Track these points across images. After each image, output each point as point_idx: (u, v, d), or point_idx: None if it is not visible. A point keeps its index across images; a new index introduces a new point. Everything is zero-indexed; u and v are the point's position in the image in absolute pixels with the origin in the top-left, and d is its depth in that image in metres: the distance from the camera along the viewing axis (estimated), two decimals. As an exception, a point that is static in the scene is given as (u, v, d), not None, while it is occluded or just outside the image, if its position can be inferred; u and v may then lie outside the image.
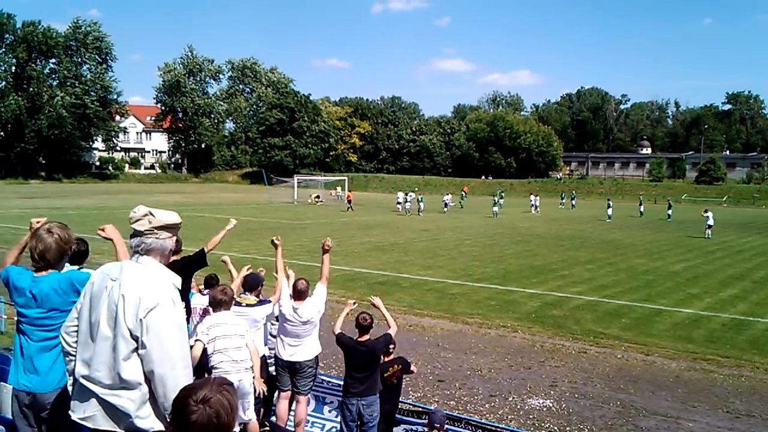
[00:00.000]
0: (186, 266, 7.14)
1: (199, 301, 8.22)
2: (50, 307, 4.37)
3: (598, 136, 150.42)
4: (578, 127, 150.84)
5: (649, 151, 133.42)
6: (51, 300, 4.36)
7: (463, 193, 73.58)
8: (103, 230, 4.81)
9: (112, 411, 3.40)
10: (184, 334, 3.51)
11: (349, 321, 8.36)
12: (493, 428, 8.46)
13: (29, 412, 4.38)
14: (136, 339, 3.38)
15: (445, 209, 58.33)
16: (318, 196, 66.55)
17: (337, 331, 7.99)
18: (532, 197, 62.04)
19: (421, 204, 54.13)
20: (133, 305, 3.38)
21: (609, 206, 53.13)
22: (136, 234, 3.65)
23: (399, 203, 55.72)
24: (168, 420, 3.38)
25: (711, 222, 39.07)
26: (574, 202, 68.79)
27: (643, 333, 15.83)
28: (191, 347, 6.69)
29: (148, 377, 3.39)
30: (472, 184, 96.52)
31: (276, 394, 8.39)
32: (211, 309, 7.29)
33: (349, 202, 55.91)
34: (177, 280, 3.66)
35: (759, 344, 15.05)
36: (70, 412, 3.55)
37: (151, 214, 3.69)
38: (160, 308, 3.40)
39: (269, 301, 8.18)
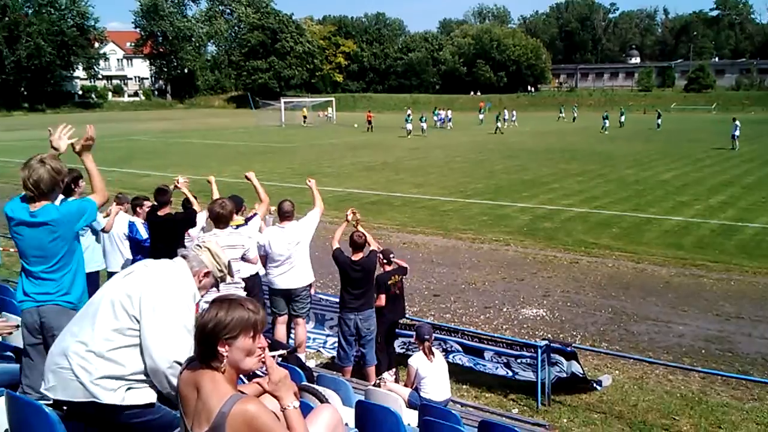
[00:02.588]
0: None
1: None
2: (51, 239, 4.38)
3: (586, 47, 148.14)
4: (566, 39, 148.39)
5: (638, 60, 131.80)
6: (50, 231, 4.37)
7: (480, 108, 71.35)
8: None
9: (75, 379, 3.36)
10: (186, 337, 3.42)
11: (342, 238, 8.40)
12: (487, 338, 8.68)
13: (39, 337, 4.45)
14: (138, 321, 3.38)
15: (441, 125, 58.77)
16: (305, 117, 65.73)
17: (336, 245, 8.04)
18: (506, 112, 60.70)
19: (424, 124, 51.53)
20: (150, 291, 3.40)
21: (605, 118, 52.76)
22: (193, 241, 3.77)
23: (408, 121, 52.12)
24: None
25: (737, 132, 36.95)
26: (575, 115, 68.17)
27: (634, 241, 16.04)
28: None
29: (147, 367, 3.40)
30: (461, 100, 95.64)
31: (272, 320, 8.46)
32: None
33: (369, 122, 55.09)
34: (198, 294, 3.67)
35: (747, 248, 15.29)
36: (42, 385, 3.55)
37: (212, 240, 3.92)
38: (173, 307, 3.41)
39: (256, 215, 8.16)
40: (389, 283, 8.12)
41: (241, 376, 3.04)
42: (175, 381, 3.30)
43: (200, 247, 3.74)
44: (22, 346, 4.71)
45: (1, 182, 25.81)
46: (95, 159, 4.79)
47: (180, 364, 3.34)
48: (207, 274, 3.72)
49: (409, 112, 57.64)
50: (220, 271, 3.79)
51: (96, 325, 3.39)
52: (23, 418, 3.43)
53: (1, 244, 13.94)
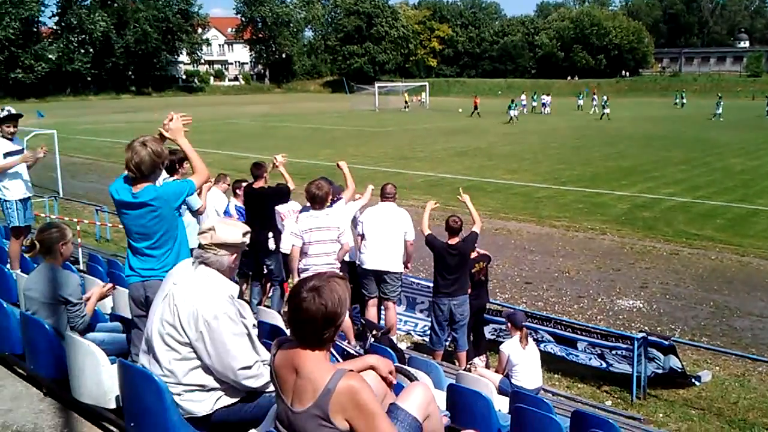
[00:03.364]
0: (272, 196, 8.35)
1: (290, 206, 8.42)
2: (152, 218, 4.59)
3: (692, 30, 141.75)
4: (670, 21, 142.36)
5: (748, 44, 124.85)
6: (150, 211, 4.58)
7: (593, 94, 68.31)
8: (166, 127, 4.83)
9: None
10: (241, 341, 3.51)
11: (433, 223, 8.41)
12: (580, 327, 8.52)
13: (145, 310, 4.67)
14: (190, 345, 3.48)
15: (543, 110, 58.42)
16: (406, 102, 65.76)
17: (427, 231, 8.05)
18: (595, 97, 58.21)
19: (514, 111, 49.55)
20: (188, 316, 3.48)
21: (718, 105, 49.85)
22: (200, 245, 3.71)
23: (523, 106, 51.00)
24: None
25: None
26: (684, 101, 65.13)
27: (739, 234, 15.34)
28: (291, 250, 7.10)
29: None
30: (557, 85, 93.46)
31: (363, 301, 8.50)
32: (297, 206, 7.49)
33: (476, 107, 55.06)
34: (234, 290, 3.69)
35: None
36: None
37: (214, 229, 3.69)
38: (215, 322, 3.46)
39: (341, 198, 8.24)
40: (473, 271, 8.09)
41: (335, 353, 3.07)
42: (253, 382, 3.47)
43: (210, 247, 3.64)
44: (129, 317, 4.97)
45: (110, 162, 27.16)
46: (199, 141, 4.95)
47: (249, 367, 3.48)
48: (235, 258, 3.74)
49: (522, 97, 56.50)
50: (242, 244, 3.76)
51: (161, 362, 3.52)
52: (134, 384, 3.63)
53: (110, 221, 14.72)
